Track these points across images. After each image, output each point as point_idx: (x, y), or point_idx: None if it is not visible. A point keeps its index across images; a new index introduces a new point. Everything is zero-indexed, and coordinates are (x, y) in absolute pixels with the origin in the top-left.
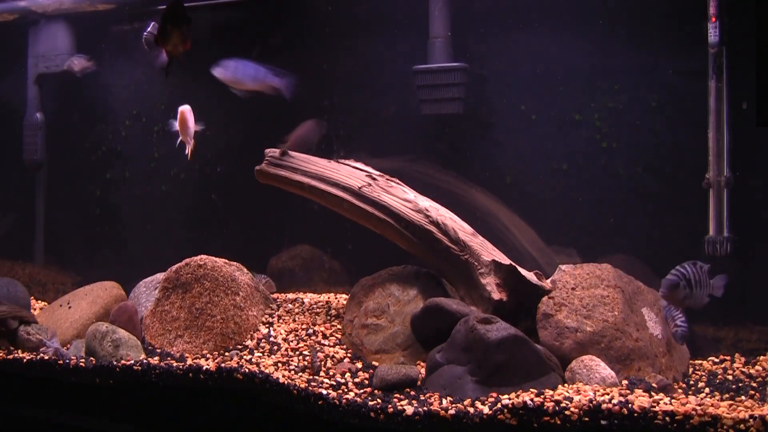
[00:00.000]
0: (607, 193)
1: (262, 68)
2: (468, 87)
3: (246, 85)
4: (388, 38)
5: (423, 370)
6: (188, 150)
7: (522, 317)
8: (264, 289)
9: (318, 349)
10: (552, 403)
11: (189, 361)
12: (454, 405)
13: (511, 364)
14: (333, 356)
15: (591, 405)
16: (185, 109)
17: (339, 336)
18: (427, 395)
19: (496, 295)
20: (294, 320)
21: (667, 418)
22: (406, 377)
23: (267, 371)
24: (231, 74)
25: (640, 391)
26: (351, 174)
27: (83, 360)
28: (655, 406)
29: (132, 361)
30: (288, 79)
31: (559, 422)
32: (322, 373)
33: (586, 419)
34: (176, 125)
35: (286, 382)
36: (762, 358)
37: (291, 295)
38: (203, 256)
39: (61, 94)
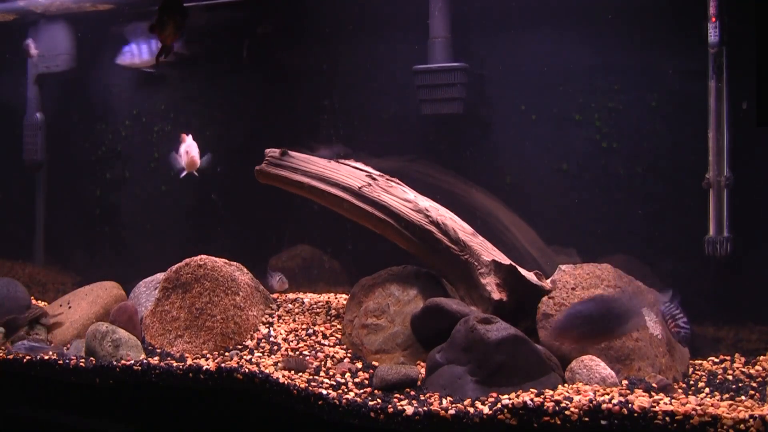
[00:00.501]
0: (607, 193)
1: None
2: (468, 87)
3: (151, 60)
4: (388, 38)
5: (423, 370)
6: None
7: (522, 317)
8: (264, 289)
9: (317, 349)
10: (552, 403)
11: (189, 361)
12: (454, 405)
13: (511, 364)
14: (333, 356)
15: (591, 405)
16: (195, 155)
17: (339, 336)
18: (427, 395)
19: (496, 295)
20: (294, 320)
21: (667, 418)
22: (406, 377)
23: (267, 371)
24: (136, 56)
25: (640, 391)
26: (351, 174)
27: (83, 360)
28: (655, 406)
29: (132, 361)
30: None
31: (559, 422)
32: (322, 373)
33: (586, 419)
34: (181, 161)
35: (286, 382)
36: (762, 358)
37: (291, 295)
38: (203, 256)
39: (61, 94)
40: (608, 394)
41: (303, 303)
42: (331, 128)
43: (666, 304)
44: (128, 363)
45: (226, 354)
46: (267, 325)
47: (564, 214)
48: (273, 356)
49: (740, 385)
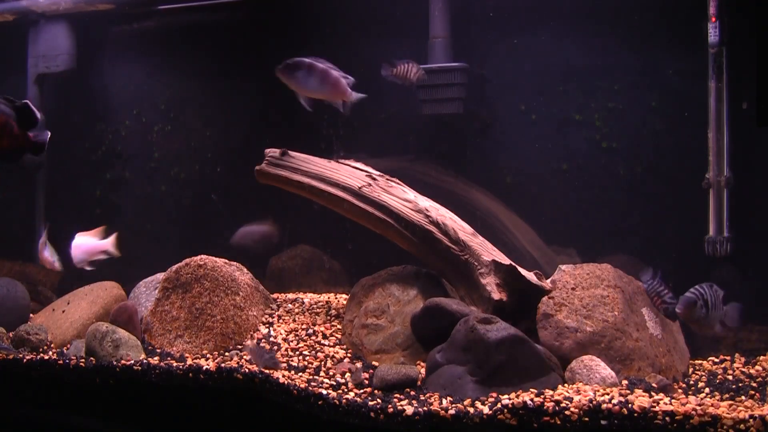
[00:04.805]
0: (607, 193)
1: None
2: (468, 87)
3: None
4: (388, 38)
5: (423, 370)
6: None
7: (522, 317)
8: (264, 289)
9: (317, 349)
10: (552, 403)
11: (189, 361)
12: (454, 405)
13: (511, 364)
14: (333, 356)
15: (591, 405)
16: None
17: (339, 336)
18: (427, 395)
19: (496, 295)
20: (294, 320)
21: (667, 418)
22: (406, 377)
23: (267, 371)
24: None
25: (640, 391)
26: (351, 174)
27: (83, 360)
28: (655, 406)
29: (132, 361)
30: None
31: (559, 422)
32: (322, 373)
33: (586, 419)
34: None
35: (286, 382)
36: (762, 358)
37: (291, 295)
38: (203, 256)
39: (61, 94)
40: (608, 394)
41: (303, 303)
42: (331, 128)
43: (649, 282)
44: (128, 363)
45: (226, 354)
46: (267, 325)
47: (564, 214)
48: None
49: (740, 385)
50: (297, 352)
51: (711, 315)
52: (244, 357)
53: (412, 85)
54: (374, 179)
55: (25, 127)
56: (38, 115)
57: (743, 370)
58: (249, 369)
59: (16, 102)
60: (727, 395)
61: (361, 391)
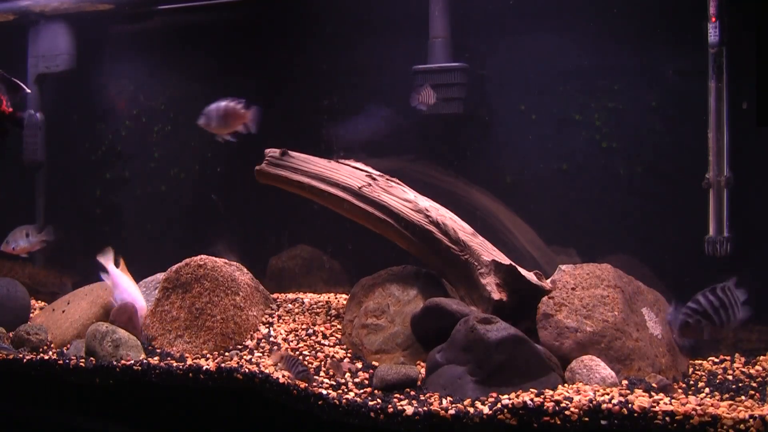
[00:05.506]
0: (607, 193)
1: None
2: (468, 87)
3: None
4: (388, 38)
5: (423, 370)
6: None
7: (522, 317)
8: (264, 289)
9: (317, 349)
10: (552, 403)
11: (189, 361)
12: (454, 405)
13: (511, 364)
14: (333, 356)
15: (591, 405)
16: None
17: (339, 336)
18: (427, 395)
19: (496, 295)
20: (294, 320)
21: (667, 418)
22: (406, 377)
23: (267, 371)
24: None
25: (640, 391)
26: (351, 174)
27: (83, 360)
28: (655, 406)
29: (132, 361)
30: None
31: (559, 422)
32: (322, 373)
33: (586, 419)
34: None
35: (286, 382)
36: (762, 358)
37: (291, 295)
38: (203, 256)
39: (61, 94)
40: (608, 394)
41: (303, 303)
42: (331, 128)
43: (671, 313)
44: (128, 363)
45: (226, 354)
46: (267, 325)
47: (564, 214)
48: (274, 356)
49: (740, 385)
50: (297, 352)
51: (724, 316)
52: (244, 357)
53: (431, 107)
54: (374, 179)
55: (11, 101)
56: (26, 90)
57: (743, 370)
58: (249, 369)
59: (4, 75)
60: (727, 395)
61: (361, 391)
